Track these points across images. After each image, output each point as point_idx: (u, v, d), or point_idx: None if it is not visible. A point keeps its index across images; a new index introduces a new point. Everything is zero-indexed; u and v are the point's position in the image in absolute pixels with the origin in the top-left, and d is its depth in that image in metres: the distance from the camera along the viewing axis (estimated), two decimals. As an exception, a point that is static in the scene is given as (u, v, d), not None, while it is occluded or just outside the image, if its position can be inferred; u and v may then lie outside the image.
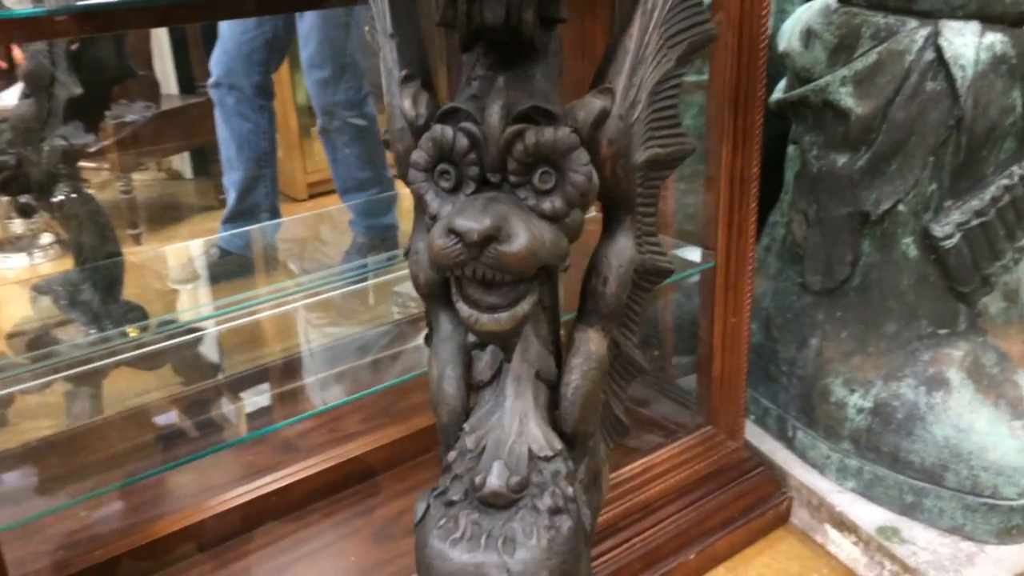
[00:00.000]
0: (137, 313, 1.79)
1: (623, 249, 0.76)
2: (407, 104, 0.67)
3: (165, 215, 3.14)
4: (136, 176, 3.12)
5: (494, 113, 0.61)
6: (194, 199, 3.28)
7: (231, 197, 2.39)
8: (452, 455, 0.72)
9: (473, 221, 0.58)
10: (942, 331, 1.37)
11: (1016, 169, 1.32)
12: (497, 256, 0.59)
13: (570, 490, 0.69)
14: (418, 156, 0.64)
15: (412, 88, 0.67)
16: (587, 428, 0.74)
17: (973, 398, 1.33)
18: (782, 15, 1.71)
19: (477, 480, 0.69)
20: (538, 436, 0.71)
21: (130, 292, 1.80)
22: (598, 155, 0.70)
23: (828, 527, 1.41)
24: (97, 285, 1.74)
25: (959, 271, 1.33)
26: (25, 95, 1.63)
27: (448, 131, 0.62)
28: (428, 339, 0.81)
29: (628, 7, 0.73)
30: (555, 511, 0.68)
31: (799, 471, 1.47)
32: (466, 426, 0.73)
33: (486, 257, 0.59)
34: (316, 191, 3.13)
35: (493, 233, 0.58)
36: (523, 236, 0.59)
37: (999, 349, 1.37)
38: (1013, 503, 1.29)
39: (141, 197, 3.16)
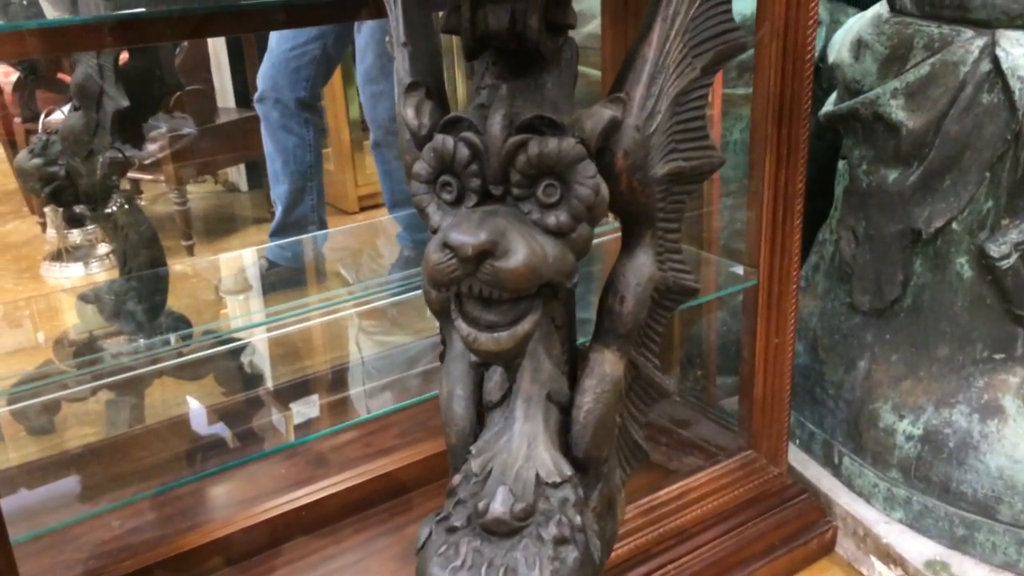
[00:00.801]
0: (181, 323, 1.81)
1: (642, 266, 0.73)
2: (410, 113, 0.64)
3: (219, 227, 3.19)
4: (192, 188, 3.17)
5: (496, 123, 0.59)
6: (249, 211, 3.32)
7: (278, 210, 2.41)
8: (457, 479, 0.69)
9: (468, 235, 0.55)
10: (998, 356, 1.30)
11: (1079, 186, 1.25)
12: (493, 272, 0.56)
13: (578, 519, 0.66)
14: (420, 167, 0.62)
15: (416, 97, 0.65)
16: (600, 453, 0.71)
17: (1031, 427, 1.26)
18: (835, 25, 1.65)
19: (480, 506, 0.66)
20: (547, 461, 0.68)
21: (177, 301, 1.81)
22: (613, 168, 0.67)
23: (874, 559, 1.35)
24: (141, 295, 1.76)
25: (1017, 292, 1.26)
26: (75, 108, 1.66)
27: (449, 141, 0.60)
28: (443, 357, 0.79)
29: (648, 14, 0.70)
30: (560, 541, 0.65)
31: (845, 499, 1.41)
32: (473, 448, 0.70)
33: (482, 273, 0.56)
34: (367, 204, 3.14)
35: (488, 248, 0.55)
36: (521, 252, 0.56)
37: (1060, 376, 1.30)
38: (1073, 540, 1.21)
39: (197, 209, 3.20)
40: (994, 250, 1.25)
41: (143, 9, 0.88)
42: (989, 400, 1.28)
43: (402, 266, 2.35)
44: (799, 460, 1.49)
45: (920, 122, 1.25)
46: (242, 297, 2.11)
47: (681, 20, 0.70)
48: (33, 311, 2.51)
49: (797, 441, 1.52)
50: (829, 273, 1.49)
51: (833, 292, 1.48)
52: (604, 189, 0.62)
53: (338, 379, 1.84)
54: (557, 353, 0.71)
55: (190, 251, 2.88)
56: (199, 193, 3.40)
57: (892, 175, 1.31)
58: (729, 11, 0.76)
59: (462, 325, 0.60)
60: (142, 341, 1.73)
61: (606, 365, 0.71)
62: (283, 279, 2.28)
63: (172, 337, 1.72)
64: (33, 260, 2.93)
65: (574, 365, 0.74)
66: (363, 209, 3.16)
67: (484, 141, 0.59)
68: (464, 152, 0.60)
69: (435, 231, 0.61)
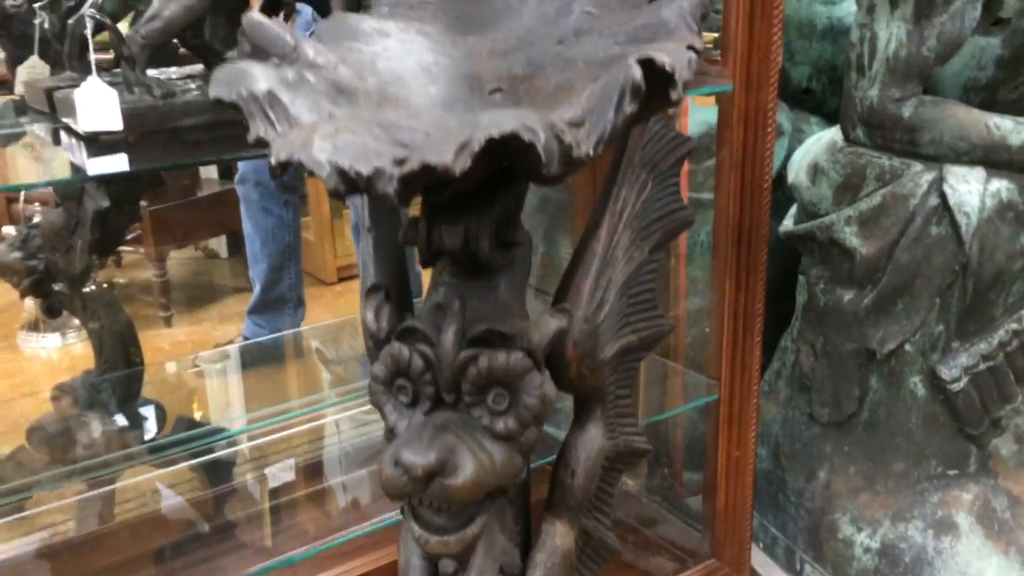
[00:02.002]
0: (157, 412, 1.82)
1: (592, 439, 0.76)
2: (369, 317, 0.68)
3: (198, 295, 3.20)
4: (173, 254, 3.19)
5: (448, 338, 0.62)
6: (228, 280, 3.34)
7: (256, 289, 2.43)
8: (409, 656, 0.72)
9: (418, 456, 0.59)
10: (951, 472, 1.34)
11: (1025, 312, 1.30)
12: (442, 489, 0.59)
13: None
14: (378, 370, 0.65)
15: (375, 301, 0.68)
16: (550, 627, 0.74)
17: (983, 544, 1.29)
18: (798, 134, 1.71)
19: None
20: (497, 639, 0.70)
21: (152, 380, 1.83)
22: (563, 357, 0.71)
23: (833, 671, 1.37)
24: (116, 389, 1.78)
25: (968, 413, 1.31)
26: (56, 204, 1.69)
27: (405, 351, 0.64)
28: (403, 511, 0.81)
29: (598, 209, 0.74)
30: None
31: (806, 608, 1.44)
32: (427, 624, 0.72)
33: (432, 489, 0.59)
34: (345, 275, 3.17)
35: (437, 468, 0.59)
36: (469, 468, 0.60)
37: (1011, 493, 1.34)
38: (1024, 659, 1.25)
39: (176, 275, 3.22)
40: (945, 373, 1.30)
41: (126, 166, 0.91)
42: (943, 516, 1.32)
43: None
44: (763, 564, 1.52)
45: (873, 249, 1.30)
46: (219, 366, 2.12)
47: (629, 212, 0.75)
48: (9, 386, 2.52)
49: (761, 544, 1.55)
50: (790, 381, 1.53)
51: (794, 400, 1.52)
52: (552, 394, 0.65)
53: (316, 471, 1.84)
54: (510, 526, 0.74)
55: (168, 322, 2.90)
56: (179, 259, 3.42)
57: (847, 296, 1.36)
58: (676, 190, 0.80)
59: (414, 527, 0.63)
60: (116, 429, 1.74)
61: (556, 538, 0.75)
62: (260, 356, 2.29)
63: (147, 430, 1.73)
64: (10, 328, 2.93)
65: (528, 533, 0.77)
66: (341, 279, 3.19)
67: (437, 353, 0.63)
68: (419, 363, 0.63)
69: (391, 430, 0.65)
